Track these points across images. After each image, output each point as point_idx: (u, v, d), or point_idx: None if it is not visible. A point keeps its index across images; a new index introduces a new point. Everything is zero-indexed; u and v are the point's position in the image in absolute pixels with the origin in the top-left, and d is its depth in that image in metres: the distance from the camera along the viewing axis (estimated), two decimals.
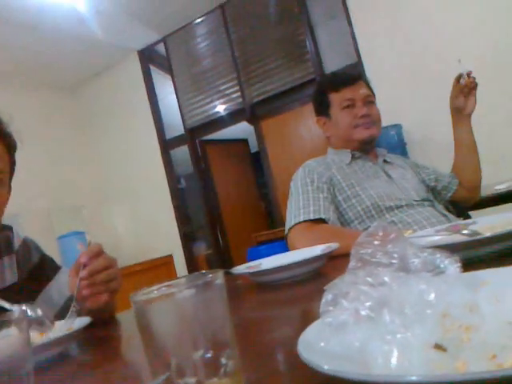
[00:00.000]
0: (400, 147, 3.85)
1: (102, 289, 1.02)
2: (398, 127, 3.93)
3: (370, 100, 1.79)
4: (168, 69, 5.66)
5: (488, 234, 0.78)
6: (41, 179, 5.39)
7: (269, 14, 4.96)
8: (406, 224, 1.54)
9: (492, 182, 2.55)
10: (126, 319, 1.19)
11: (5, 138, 1.14)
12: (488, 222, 0.94)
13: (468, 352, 0.37)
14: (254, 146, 6.24)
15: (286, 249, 1.55)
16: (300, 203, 1.60)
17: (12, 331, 0.45)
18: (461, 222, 1.18)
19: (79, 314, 1.01)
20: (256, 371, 0.52)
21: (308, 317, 0.67)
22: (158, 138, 5.74)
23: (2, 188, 1.13)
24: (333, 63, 4.62)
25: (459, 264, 0.46)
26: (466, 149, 1.84)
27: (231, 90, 5.22)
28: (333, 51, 4.72)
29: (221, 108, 5.34)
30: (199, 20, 5.34)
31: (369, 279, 0.43)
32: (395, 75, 4.15)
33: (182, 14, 5.10)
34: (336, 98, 1.79)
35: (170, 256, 5.52)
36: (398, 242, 0.51)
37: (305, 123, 4.77)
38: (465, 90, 1.71)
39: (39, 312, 0.85)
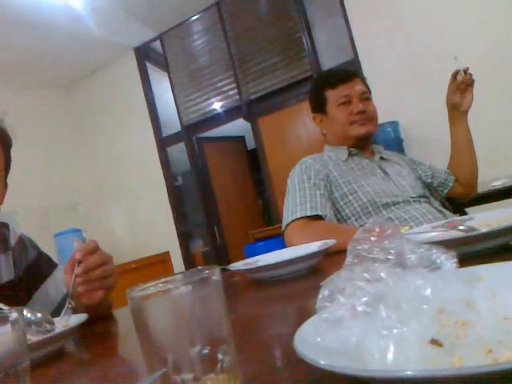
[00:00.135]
0: (397, 144, 3.86)
1: (97, 285, 1.01)
2: (394, 124, 3.94)
3: (366, 97, 1.79)
4: (164, 66, 5.65)
5: (484, 230, 0.78)
6: (37, 177, 5.38)
7: (265, 11, 4.96)
8: (402, 220, 1.54)
9: (488, 178, 2.56)
10: (122, 316, 1.19)
11: None
12: (484, 218, 0.94)
13: (464, 347, 0.37)
14: (250, 144, 6.24)
15: (282, 245, 1.55)
16: (297, 200, 1.60)
17: (7, 328, 0.45)
18: (457, 218, 1.18)
19: (75, 310, 1.01)
20: (253, 367, 0.52)
21: (304, 313, 0.67)
22: (155, 136, 5.73)
23: None
24: (330, 60, 4.62)
25: (455, 260, 0.46)
26: (463, 145, 1.84)
27: (228, 88, 5.22)
28: (330, 48, 4.72)
29: (217, 105, 5.34)
30: (195, 17, 5.32)
31: (365, 275, 0.43)
32: (392, 72, 4.15)
33: (178, 11, 5.08)
34: (332, 95, 1.79)
35: (167, 253, 5.51)
36: (394, 238, 0.51)
37: (302, 120, 4.77)
38: (461, 86, 1.71)
39: (39, 315, 0.85)
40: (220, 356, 0.40)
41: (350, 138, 1.78)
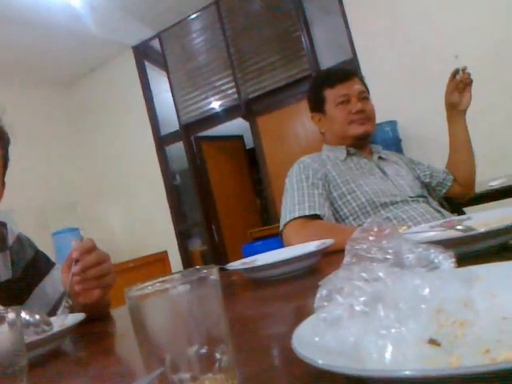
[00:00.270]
0: (395, 143, 3.86)
1: (94, 284, 1.01)
2: (393, 123, 3.94)
3: (364, 96, 1.79)
4: (163, 65, 5.64)
5: (482, 230, 0.78)
6: (35, 175, 5.37)
7: (264, 10, 4.95)
8: (400, 220, 1.54)
9: (486, 178, 2.57)
10: (120, 315, 1.18)
11: None
12: (482, 218, 0.94)
13: (462, 347, 0.37)
14: (249, 143, 6.24)
15: (281, 245, 1.56)
16: (295, 199, 1.60)
17: (5, 328, 0.45)
18: (455, 217, 1.18)
19: (72, 309, 1.01)
20: (250, 366, 0.52)
21: (303, 312, 0.67)
22: (153, 134, 5.73)
23: None
24: (328, 59, 4.62)
25: (453, 259, 0.46)
26: (461, 145, 1.84)
27: (226, 86, 5.21)
28: (328, 47, 4.72)
29: (216, 104, 5.33)
30: (194, 16, 5.32)
31: (363, 274, 0.43)
32: (391, 71, 4.15)
33: (177, 9, 5.08)
34: (331, 94, 1.79)
35: (165, 252, 5.51)
36: (392, 238, 0.51)
37: (300, 119, 4.77)
38: (460, 85, 1.71)
39: (37, 317, 0.85)
40: (218, 355, 0.40)
41: (348, 137, 1.78)
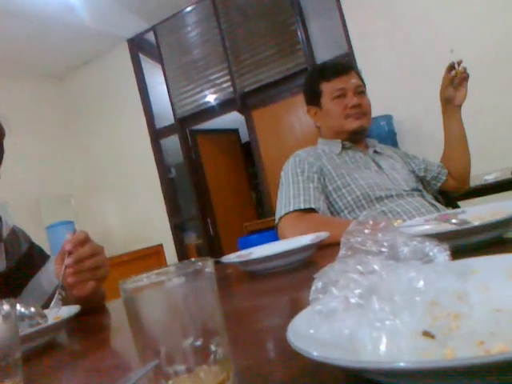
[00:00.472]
0: (390, 137, 3.86)
1: (87, 276, 1.01)
2: (388, 118, 3.94)
3: (360, 90, 1.79)
4: (158, 58, 5.61)
5: (477, 223, 0.79)
6: (29, 168, 5.34)
7: (259, 3, 4.93)
8: (395, 214, 1.54)
9: (481, 172, 2.58)
10: (115, 308, 1.18)
11: None
12: (477, 212, 0.94)
13: (456, 339, 0.37)
14: (244, 136, 6.23)
15: (276, 238, 1.56)
16: (290, 193, 1.60)
17: None
18: (450, 211, 1.19)
19: (67, 302, 1.00)
20: (246, 358, 0.52)
21: (298, 305, 0.67)
22: (148, 128, 5.71)
23: None
24: (324, 53, 4.61)
25: (448, 252, 0.46)
26: (456, 139, 1.85)
27: (222, 80, 5.19)
28: (324, 41, 4.70)
29: (211, 98, 5.31)
30: (189, 9, 5.29)
31: (359, 267, 0.43)
32: (386, 66, 4.15)
33: (172, 2, 5.05)
34: (327, 88, 1.79)
35: (160, 245, 5.51)
36: (387, 231, 0.51)
37: (296, 113, 4.77)
38: (455, 80, 1.71)
39: (32, 309, 0.85)
40: (213, 347, 0.40)
41: (344, 131, 1.78)
